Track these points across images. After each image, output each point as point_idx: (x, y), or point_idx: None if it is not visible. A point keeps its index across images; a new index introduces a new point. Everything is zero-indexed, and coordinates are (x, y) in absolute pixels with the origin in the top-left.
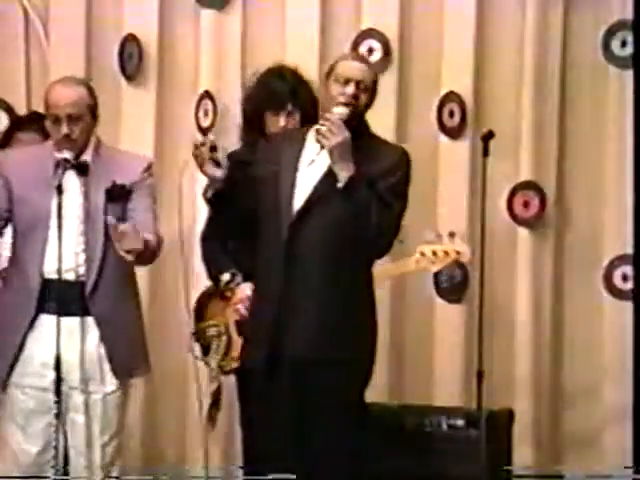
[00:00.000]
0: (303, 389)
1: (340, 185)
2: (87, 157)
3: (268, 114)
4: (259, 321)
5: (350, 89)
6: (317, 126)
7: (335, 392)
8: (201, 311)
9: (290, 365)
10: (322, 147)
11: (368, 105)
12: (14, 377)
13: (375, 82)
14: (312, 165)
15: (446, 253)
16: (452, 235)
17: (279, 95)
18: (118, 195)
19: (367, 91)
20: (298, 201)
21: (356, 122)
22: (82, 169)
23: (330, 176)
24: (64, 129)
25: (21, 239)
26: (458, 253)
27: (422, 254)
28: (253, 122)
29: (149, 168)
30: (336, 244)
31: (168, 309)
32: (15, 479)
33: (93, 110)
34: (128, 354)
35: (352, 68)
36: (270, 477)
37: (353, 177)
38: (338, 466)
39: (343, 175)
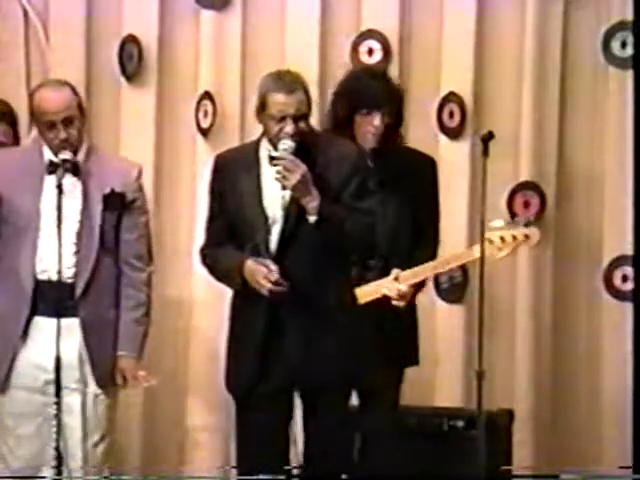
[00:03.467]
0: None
1: (312, 219)
2: (80, 158)
3: (360, 114)
4: (245, 345)
5: (289, 127)
6: (273, 154)
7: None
8: None
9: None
10: (284, 188)
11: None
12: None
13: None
14: (278, 202)
15: (514, 237)
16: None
17: (374, 94)
18: (115, 203)
19: (305, 116)
20: (274, 235)
21: (306, 144)
22: (74, 169)
23: (297, 207)
24: (62, 134)
25: (12, 242)
26: (527, 237)
27: (490, 241)
28: (344, 123)
29: (140, 174)
30: (319, 265)
31: (167, 310)
32: (15, 479)
33: (81, 107)
34: (112, 360)
35: (284, 105)
36: (264, 477)
37: (321, 209)
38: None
39: (311, 206)
